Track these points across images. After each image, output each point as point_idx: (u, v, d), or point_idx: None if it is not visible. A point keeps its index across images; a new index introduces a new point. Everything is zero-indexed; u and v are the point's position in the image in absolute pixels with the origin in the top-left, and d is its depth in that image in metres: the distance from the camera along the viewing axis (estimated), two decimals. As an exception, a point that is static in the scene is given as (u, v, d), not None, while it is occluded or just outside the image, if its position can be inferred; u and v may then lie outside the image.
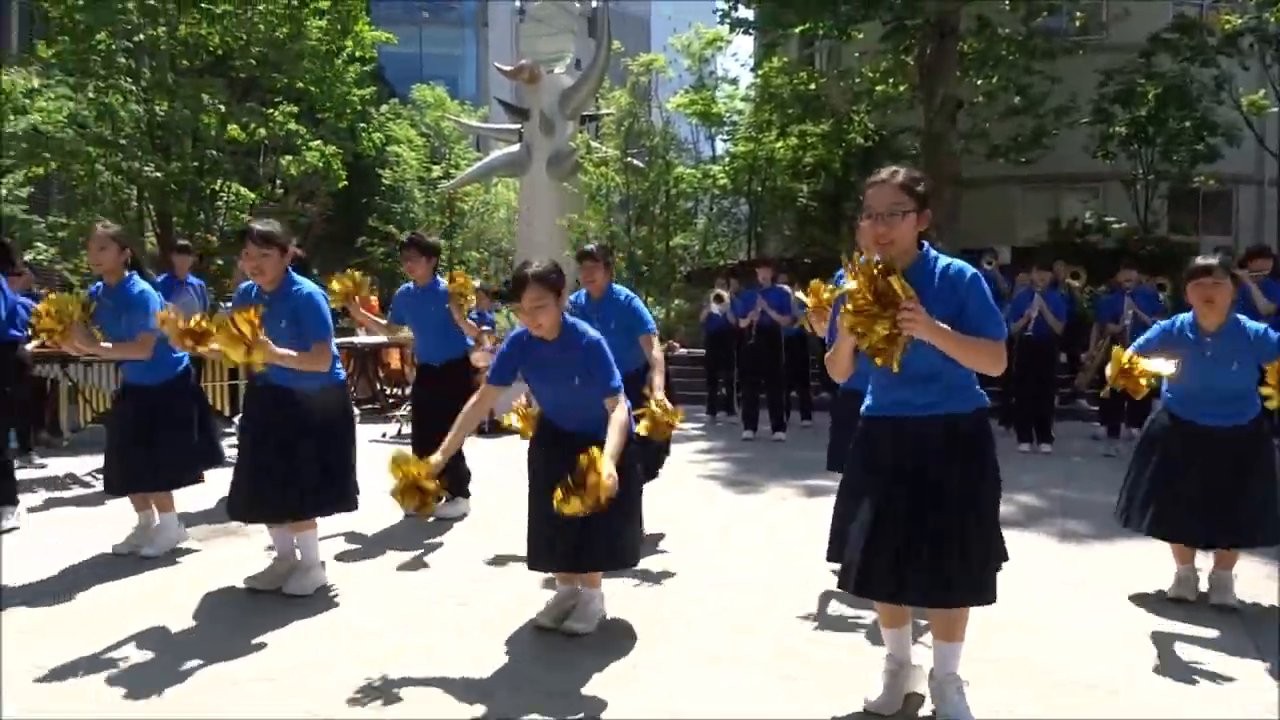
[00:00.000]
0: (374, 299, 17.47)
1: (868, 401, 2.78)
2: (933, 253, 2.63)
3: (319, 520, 4.05)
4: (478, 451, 6.00)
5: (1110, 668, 3.15)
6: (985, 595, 2.60)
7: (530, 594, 3.82)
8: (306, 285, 3.91)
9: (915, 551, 2.54)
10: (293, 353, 3.70)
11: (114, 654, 3.26)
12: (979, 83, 15.01)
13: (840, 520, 2.89)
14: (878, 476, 2.66)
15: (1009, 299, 8.68)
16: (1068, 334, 8.69)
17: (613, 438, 3.18)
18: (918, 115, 14.71)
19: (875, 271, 2.40)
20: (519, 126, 21.47)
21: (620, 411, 3.30)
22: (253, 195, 16.53)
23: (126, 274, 4.46)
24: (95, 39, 14.17)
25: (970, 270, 2.59)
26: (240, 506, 3.95)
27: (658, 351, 4.64)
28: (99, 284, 4.52)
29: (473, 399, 3.51)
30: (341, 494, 4.01)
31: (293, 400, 3.85)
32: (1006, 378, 8.65)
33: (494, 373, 3.48)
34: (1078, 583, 4.17)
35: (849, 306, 2.45)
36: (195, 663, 3.17)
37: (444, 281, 5.44)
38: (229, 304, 8.16)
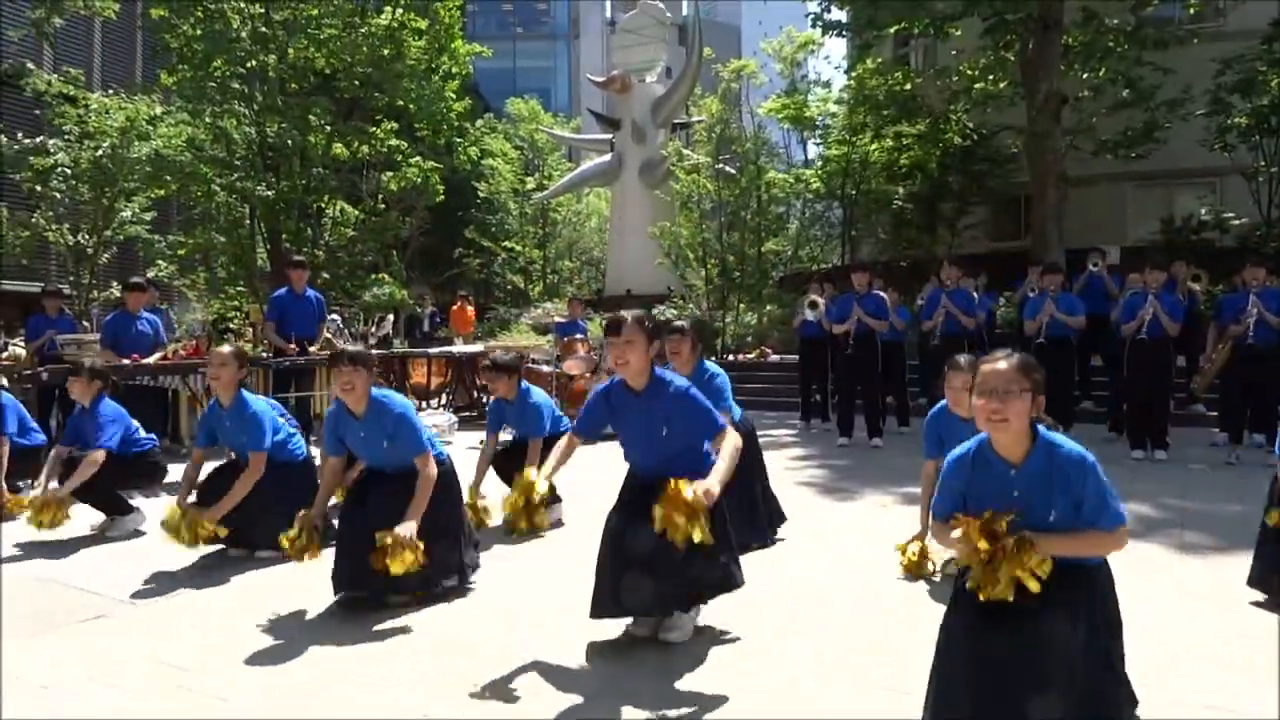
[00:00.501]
0: (470, 309, 17.99)
1: None
2: (1045, 437, 2.56)
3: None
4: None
5: (1229, 686, 2.97)
6: None
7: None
8: (395, 404, 4.05)
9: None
10: (419, 505, 3.83)
11: (207, 653, 3.41)
12: (1085, 76, 14.48)
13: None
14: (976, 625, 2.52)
15: (1115, 300, 8.32)
16: (1184, 336, 8.27)
17: (722, 460, 3.21)
18: (1019, 112, 14.27)
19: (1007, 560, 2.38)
20: (610, 136, 21.68)
21: (732, 438, 3.28)
22: (356, 211, 17.13)
23: (239, 392, 4.79)
24: (212, 67, 14.97)
25: (1088, 458, 2.51)
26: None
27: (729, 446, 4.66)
28: (214, 401, 4.89)
29: (560, 445, 3.55)
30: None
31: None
32: (1119, 382, 8.38)
33: (580, 424, 3.54)
34: (1199, 595, 3.96)
35: (971, 566, 2.45)
36: (290, 662, 3.29)
37: (534, 392, 5.69)
38: (333, 315, 8.57)
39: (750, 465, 4.89)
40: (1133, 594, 3.82)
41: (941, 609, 3.70)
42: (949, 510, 2.64)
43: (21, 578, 4.46)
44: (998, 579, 2.38)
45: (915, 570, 4.24)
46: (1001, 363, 2.53)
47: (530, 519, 4.73)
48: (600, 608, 3.39)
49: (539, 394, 5.77)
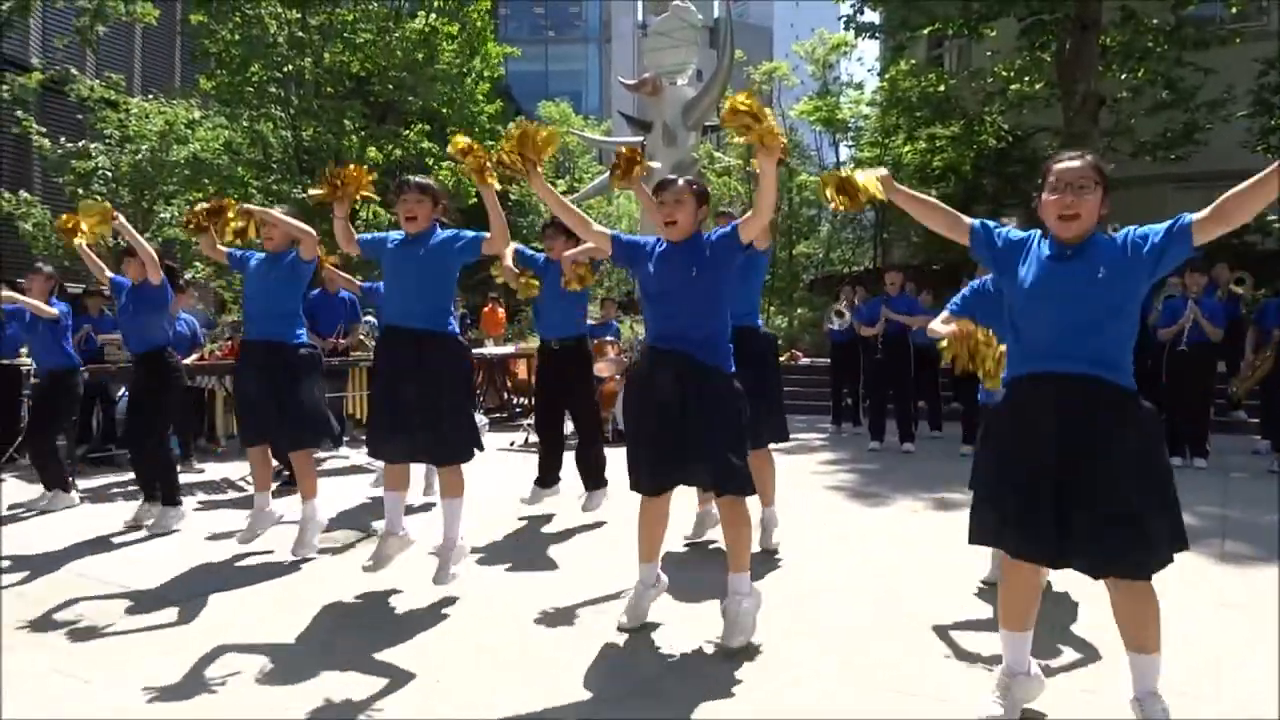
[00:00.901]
0: (501, 310, 18.08)
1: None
2: (1098, 233, 2.60)
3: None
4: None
5: (1263, 694, 2.91)
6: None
7: (659, 606, 3.81)
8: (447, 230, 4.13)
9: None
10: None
11: (226, 658, 3.45)
12: (1123, 77, 14.25)
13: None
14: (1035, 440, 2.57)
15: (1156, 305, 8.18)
16: (1228, 342, 8.09)
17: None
18: (1055, 114, 14.09)
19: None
20: (642, 139, 21.69)
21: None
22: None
23: (288, 248, 4.84)
24: (249, 71, 15.18)
25: (1132, 227, 2.56)
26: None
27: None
28: (263, 253, 4.90)
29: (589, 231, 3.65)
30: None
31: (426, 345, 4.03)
32: (1158, 388, 8.24)
33: (617, 236, 3.62)
34: (1238, 605, 3.88)
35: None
36: (311, 664, 3.32)
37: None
38: (368, 317, 8.68)
39: (773, 374, 4.78)
40: (1172, 603, 3.76)
41: (966, 613, 3.68)
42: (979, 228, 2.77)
43: (57, 575, 4.55)
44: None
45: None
46: (1076, 160, 2.55)
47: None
48: (636, 484, 3.48)
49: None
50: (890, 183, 2.89)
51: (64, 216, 5.12)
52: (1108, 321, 2.50)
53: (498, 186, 3.81)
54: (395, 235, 4.17)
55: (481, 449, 4.19)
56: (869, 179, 2.88)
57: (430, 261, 4.00)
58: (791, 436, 5.18)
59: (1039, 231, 2.69)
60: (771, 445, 4.79)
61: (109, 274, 5.51)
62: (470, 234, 4.04)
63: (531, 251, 5.60)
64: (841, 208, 2.98)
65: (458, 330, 4.22)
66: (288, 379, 4.68)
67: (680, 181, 3.43)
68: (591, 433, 5.63)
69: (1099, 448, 2.47)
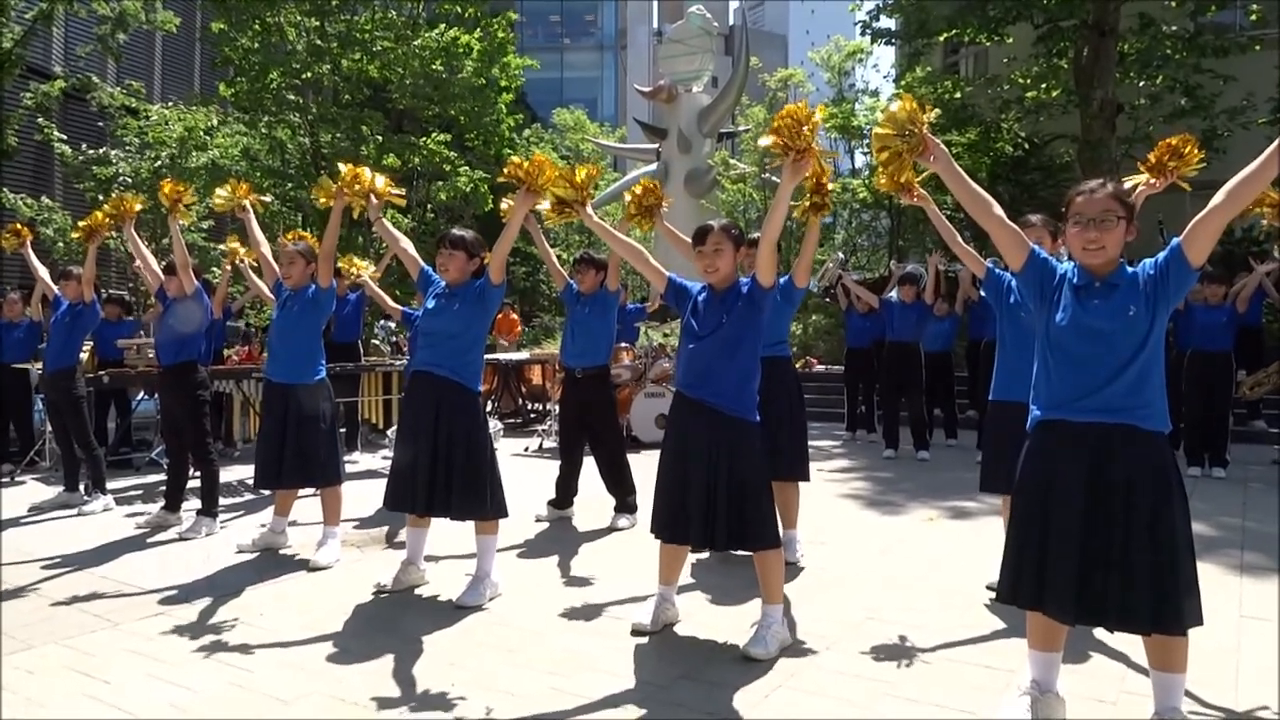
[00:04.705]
0: (515, 316, 18.12)
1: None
2: (1124, 264, 2.60)
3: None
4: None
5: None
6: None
7: (686, 607, 3.81)
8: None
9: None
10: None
11: (245, 658, 3.47)
12: (1141, 84, 14.15)
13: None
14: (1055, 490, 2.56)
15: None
16: (1247, 349, 8.01)
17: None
18: (1073, 121, 14.02)
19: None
20: (657, 146, 21.72)
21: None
22: (406, 220, 17.36)
23: (309, 283, 4.92)
24: (268, 78, 15.32)
25: (1146, 260, 2.55)
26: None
27: None
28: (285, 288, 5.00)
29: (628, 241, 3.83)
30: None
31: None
32: (1176, 395, 8.16)
33: (671, 277, 3.67)
34: (1258, 616, 3.84)
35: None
36: (344, 665, 3.34)
37: (609, 296, 5.71)
38: (385, 321, 8.72)
39: (799, 410, 4.77)
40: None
41: (984, 625, 3.66)
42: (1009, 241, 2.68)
43: (80, 575, 4.59)
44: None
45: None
46: (1098, 191, 2.52)
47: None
48: (658, 530, 3.55)
49: (614, 299, 5.77)
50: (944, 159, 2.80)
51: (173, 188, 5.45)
52: (1138, 360, 2.47)
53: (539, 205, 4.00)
54: (441, 282, 4.25)
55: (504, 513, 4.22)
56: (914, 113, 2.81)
57: (457, 314, 4.10)
58: (807, 444, 5.16)
59: (1071, 263, 2.66)
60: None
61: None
62: (478, 284, 4.15)
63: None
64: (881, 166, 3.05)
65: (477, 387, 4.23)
66: (294, 423, 4.79)
67: (716, 228, 3.51)
68: (614, 457, 5.76)
69: (1126, 505, 2.46)
